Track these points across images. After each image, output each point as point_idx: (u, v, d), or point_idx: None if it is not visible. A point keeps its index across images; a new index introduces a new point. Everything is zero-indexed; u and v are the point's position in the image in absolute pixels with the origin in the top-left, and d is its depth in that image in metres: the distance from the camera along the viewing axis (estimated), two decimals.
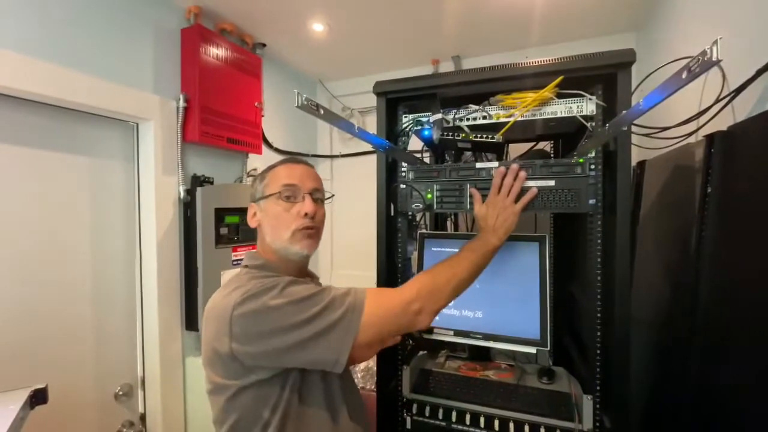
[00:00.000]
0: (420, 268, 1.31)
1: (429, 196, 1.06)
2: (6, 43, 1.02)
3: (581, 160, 0.95)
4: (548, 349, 1.16)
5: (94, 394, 1.28)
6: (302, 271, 0.90)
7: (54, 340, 1.18)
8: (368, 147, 2.24)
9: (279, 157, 2.09)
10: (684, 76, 0.48)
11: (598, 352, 0.98)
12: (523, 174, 0.93)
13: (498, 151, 1.13)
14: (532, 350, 1.17)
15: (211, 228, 1.51)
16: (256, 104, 1.75)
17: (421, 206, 1.06)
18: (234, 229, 1.63)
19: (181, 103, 1.46)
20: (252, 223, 0.86)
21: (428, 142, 1.09)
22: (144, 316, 1.41)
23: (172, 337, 1.39)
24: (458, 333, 1.27)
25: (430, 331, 1.29)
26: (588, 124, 0.98)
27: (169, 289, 1.42)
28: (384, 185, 1.09)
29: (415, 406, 1.12)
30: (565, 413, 1.01)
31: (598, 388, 0.98)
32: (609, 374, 0.96)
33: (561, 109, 0.99)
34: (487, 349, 1.32)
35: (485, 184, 1.02)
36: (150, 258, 1.40)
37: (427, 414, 1.10)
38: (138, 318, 1.41)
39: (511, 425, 1.02)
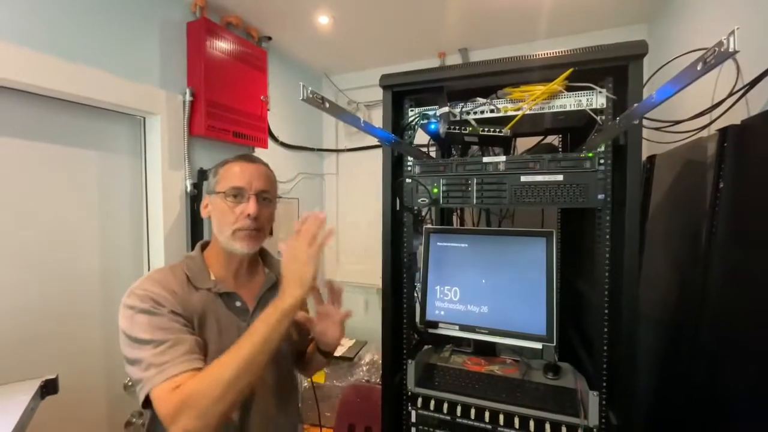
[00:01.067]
0: (426, 262, 1.30)
1: (435, 190, 1.05)
2: (14, 38, 1.02)
3: (590, 155, 0.94)
4: (554, 344, 1.15)
5: (103, 385, 1.30)
6: (251, 264, 0.92)
7: (65, 332, 1.20)
8: (374, 141, 2.24)
9: (285, 151, 2.09)
10: (699, 67, 0.47)
11: (605, 348, 0.97)
12: (321, 215, 0.78)
13: (505, 145, 1.12)
14: (538, 346, 1.17)
15: None
16: (261, 98, 1.75)
17: (427, 201, 1.06)
18: None
19: (187, 97, 1.46)
20: (203, 213, 0.89)
21: (435, 136, 1.08)
22: None
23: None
24: (463, 328, 1.27)
25: (435, 325, 1.29)
26: (598, 118, 0.96)
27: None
28: (390, 180, 1.09)
29: (420, 399, 1.12)
30: (570, 409, 1.01)
31: (604, 384, 0.97)
32: (615, 370, 0.95)
33: (570, 102, 0.97)
34: (493, 344, 1.32)
35: (492, 178, 1.01)
36: (157, 251, 1.41)
37: (432, 408, 1.10)
38: None
39: (516, 420, 1.02)
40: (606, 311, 0.97)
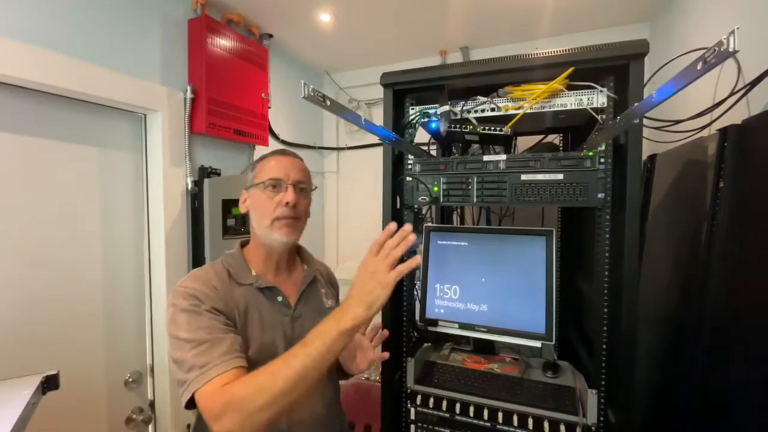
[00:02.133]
0: (425, 261, 1.31)
1: (435, 189, 1.05)
2: (16, 35, 1.02)
3: (591, 154, 0.94)
4: (553, 343, 1.16)
5: (104, 381, 1.30)
6: (289, 259, 0.94)
7: (66, 328, 1.20)
8: (375, 139, 2.24)
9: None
10: (699, 67, 0.47)
11: (604, 346, 0.98)
12: (412, 237, 0.71)
13: (506, 144, 1.12)
14: (537, 344, 1.17)
15: (218, 219, 1.52)
16: (262, 95, 1.75)
17: (427, 199, 1.06)
18: (240, 220, 1.63)
19: (188, 95, 1.46)
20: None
21: (435, 135, 1.08)
22: (153, 305, 1.43)
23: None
24: (463, 326, 1.27)
25: (435, 323, 1.29)
26: (598, 117, 0.97)
27: (177, 278, 1.43)
28: (390, 178, 1.09)
29: (419, 397, 1.13)
30: (569, 407, 1.01)
31: (603, 382, 0.98)
32: (615, 369, 0.96)
33: (571, 101, 0.97)
34: (492, 342, 1.32)
35: (492, 177, 1.01)
36: (158, 248, 1.41)
37: (431, 405, 1.11)
38: (147, 307, 1.44)
39: (515, 418, 1.03)
40: (605, 310, 0.97)
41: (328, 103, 0.58)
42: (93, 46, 1.20)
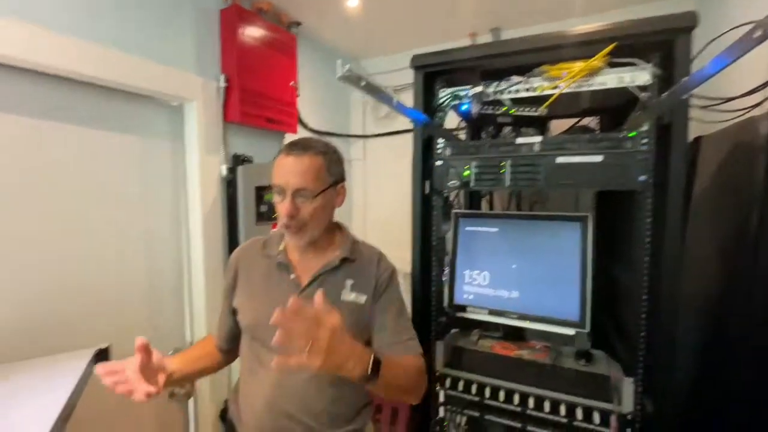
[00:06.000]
0: (454, 247, 1.30)
1: (466, 173, 1.04)
2: (55, 25, 1.07)
3: (632, 134, 0.90)
4: (587, 330, 1.13)
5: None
6: (322, 244, 0.93)
7: (111, 307, 1.28)
8: (401, 126, 2.22)
9: (313, 137, 2.12)
10: (756, 35, 0.44)
11: (643, 334, 0.95)
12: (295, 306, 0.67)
13: (540, 126, 1.09)
14: (571, 332, 1.15)
15: (251, 205, 1.56)
16: (291, 83, 1.77)
17: (457, 183, 1.05)
18: (272, 207, 1.67)
19: (222, 84, 1.50)
20: None
21: (466, 118, 1.06)
22: (192, 287, 1.50)
23: (216, 306, 1.47)
24: (493, 312, 1.26)
25: (463, 309, 1.29)
26: (641, 95, 0.92)
27: (213, 263, 1.50)
28: (420, 162, 1.08)
29: (448, 380, 1.13)
30: (604, 395, 0.99)
31: (640, 371, 0.95)
32: (653, 358, 0.93)
33: (611, 79, 0.93)
34: (522, 329, 1.31)
35: (526, 160, 0.99)
36: (196, 233, 1.47)
37: (460, 388, 1.12)
38: (186, 288, 1.51)
39: (547, 404, 1.02)
40: (645, 297, 0.94)
41: (363, 83, 0.58)
42: (130, 37, 1.24)
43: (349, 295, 0.90)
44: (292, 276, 0.90)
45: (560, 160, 0.95)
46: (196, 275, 1.49)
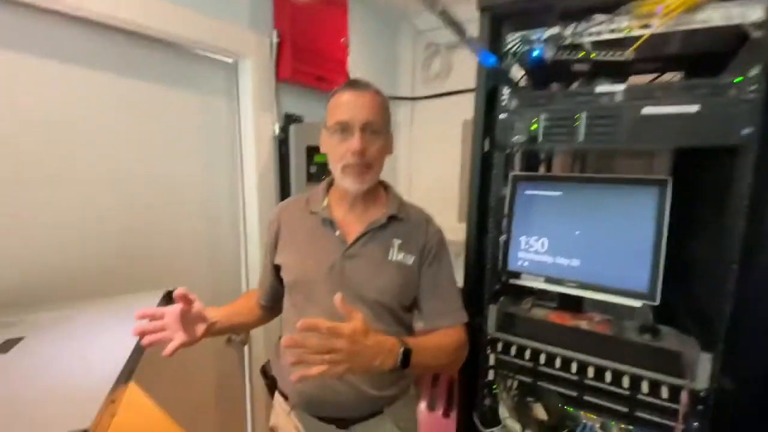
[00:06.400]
0: (510, 212, 1.23)
1: (533, 126, 0.96)
2: None
3: (738, 79, 0.77)
4: (656, 303, 1.05)
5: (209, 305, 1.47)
6: (369, 199, 0.91)
7: (174, 255, 1.36)
8: (454, 87, 2.11)
9: None
10: None
11: (727, 309, 0.85)
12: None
13: (622, 75, 0.97)
14: (637, 303, 1.07)
15: (302, 165, 1.57)
16: (342, 40, 1.71)
17: (522, 139, 0.97)
18: (322, 168, 1.68)
19: (275, 39, 1.48)
20: (322, 149, 0.91)
21: (536, 65, 0.97)
22: (248, 243, 1.56)
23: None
24: (550, 280, 1.20)
25: (517, 276, 1.24)
26: (753, 34, 0.78)
27: (267, 221, 1.54)
28: (482, 115, 1.01)
29: (500, 344, 1.11)
30: (674, 370, 0.92)
31: (720, 346, 0.86)
32: (735, 335, 0.84)
33: (717, 15, 0.80)
34: (579, 300, 1.24)
35: (604, 112, 0.89)
36: (251, 191, 1.52)
37: (512, 353, 1.08)
38: (242, 244, 1.57)
39: (608, 375, 0.96)
40: (736, 269, 0.83)
41: (440, 7, 0.53)
42: None
43: (397, 255, 0.88)
44: (338, 232, 0.88)
45: (647, 111, 0.85)
46: (251, 232, 1.54)
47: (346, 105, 0.81)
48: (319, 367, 0.63)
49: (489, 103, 1.01)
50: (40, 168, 1.02)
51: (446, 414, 1.79)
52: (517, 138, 0.97)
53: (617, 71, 0.99)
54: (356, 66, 1.97)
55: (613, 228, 1.12)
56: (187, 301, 0.77)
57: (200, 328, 0.81)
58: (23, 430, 0.50)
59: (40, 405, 0.57)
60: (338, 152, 0.82)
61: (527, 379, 1.07)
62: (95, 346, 0.73)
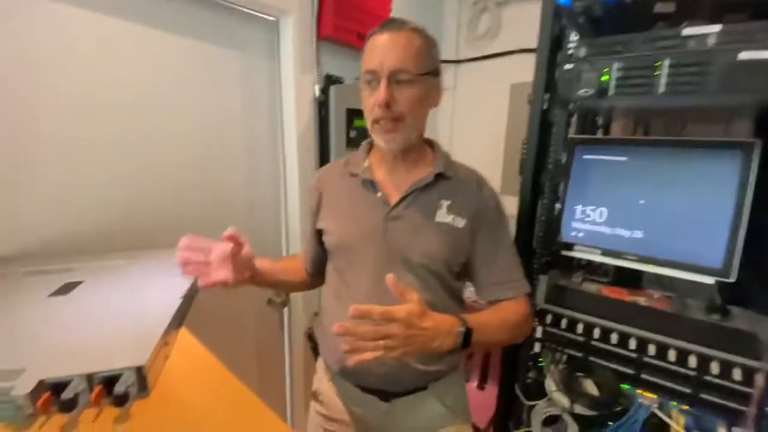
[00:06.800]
0: (566, 179, 1.14)
1: (604, 77, 0.86)
2: None
3: None
4: (731, 280, 0.95)
5: None
6: (407, 157, 0.83)
7: (215, 215, 1.37)
8: (501, 48, 1.97)
9: None
10: None
11: None
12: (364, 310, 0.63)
13: (709, 19, 0.84)
14: (710, 280, 0.97)
15: (342, 129, 1.53)
16: None
17: (590, 92, 0.87)
18: (361, 133, 1.63)
19: None
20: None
21: (612, 5, 0.85)
22: (288, 206, 1.56)
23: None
24: (607, 252, 1.12)
25: (570, 247, 1.16)
26: None
27: (307, 185, 1.52)
28: (544, 66, 0.91)
29: (549, 316, 1.05)
30: (748, 352, 0.83)
31: None
32: None
33: None
34: (637, 276, 1.15)
35: (692, 58, 0.77)
36: (291, 154, 1.50)
37: (563, 326, 1.03)
38: (282, 207, 1.57)
39: (672, 353, 0.89)
40: None
41: None
42: None
43: (446, 217, 0.81)
44: (379, 194, 0.82)
45: (745, 55, 0.73)
46: (292, 195, 1.54)
47: (376, 50, 0.73)
48: (374, 353, 0.61)
49: (552, 52, 0.91)
50: (98, 125, 1.04)
51: (481, 386, 1.78)
52: (584, 91, 0.87)
53: (706, 13, 0.85)
54: None
55: (686, 197, 1.01)
56: (237, 242, 0.75)
57: (245, 273, 0.79)
58: (84, 363, 0.52)
59: (98, 342, 0.58)
60: (368, 106, 0.75)
61: (578, 354, 1.01)
62: (149, 292, 0.74)
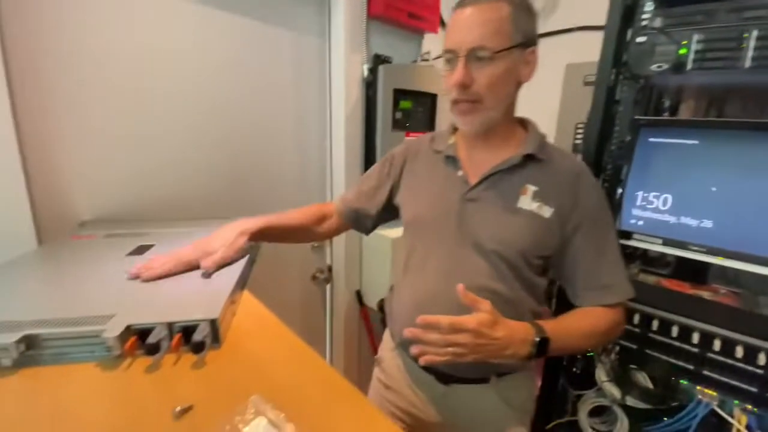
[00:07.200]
0: (629, 164, 1.08)
1: (682, 50, 0.79)
2: None
3: None
4: None
5: (297, 245, 1.56)
6: (494, 136, 0.77)
7: (266, 189, 1.42)
8: (559, 25, 1.87)
9: None
10: None
11: None
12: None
13: None
14: None
15: (389, 110, 1.52)
16: None
17: (665, 66, 0.81)
18: (407, 115, 1.62)
19: None
20: None
21: None
22: (333, 187, 1.60)
23: None
24: (669, 242, 1.05)
25: (628, 236, 1.10)
26: None
27: (354, 160, 1.55)
28: (613, 38, 0.85)
29: None
30: None
31: None
32: None
33: None
34: (701, 269, 1.07)
35: None
36: (338, 132, 1.52)
37: None
38: (328, 185, 1.61)
39: (739, 349, 0.83)
40: None
41: None
42: None
43: (531, 204, 0.72)
44: (460, 173, 0.77)
45: None
46: (337, 173, 1.56)
47: (456, 26, 0.68)
48: (443, 358, 0.61)
49: (623, 24, 0.85)
50: (158, 102, 1.11)
51: None
52: (659, 65, 0.81)
53: None
54: (447, 4, 1.82)
55: (764, 185, 0.93)
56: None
57: (240, 240, 0.79)
58: (164, 313, 0.56)
59: (174, 297, 0.63)
60: (447, 86, 0.71)
61: (632, 345, 0.97)
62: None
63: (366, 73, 1.50)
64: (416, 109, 1.65)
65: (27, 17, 0.86)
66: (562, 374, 1.12)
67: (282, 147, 1.45)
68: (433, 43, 1.75)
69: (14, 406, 0.46)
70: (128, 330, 0.54)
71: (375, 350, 1.76)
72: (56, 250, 0.83)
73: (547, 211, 0.72)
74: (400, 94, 1.55)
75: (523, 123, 0.81)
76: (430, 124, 1.70)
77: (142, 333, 0.54)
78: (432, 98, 1.67)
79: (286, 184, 1.49)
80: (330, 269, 1.64)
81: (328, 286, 1.66)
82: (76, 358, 0.54)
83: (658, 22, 0.80)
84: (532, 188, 0.73)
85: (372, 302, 1.64)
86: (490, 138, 0.76)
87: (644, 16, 0.82)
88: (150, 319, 0.55)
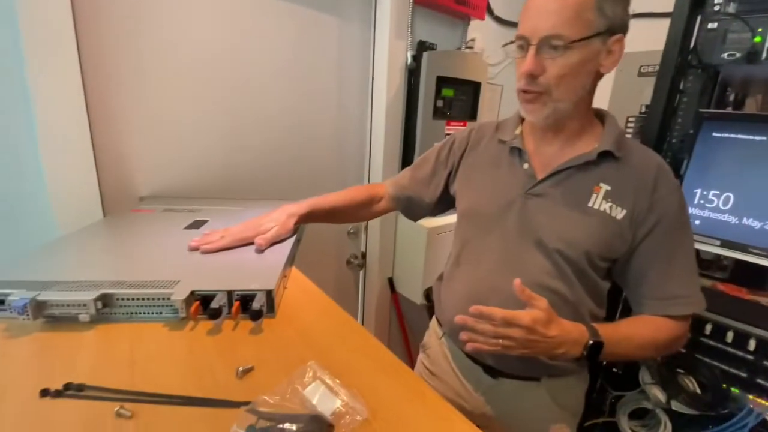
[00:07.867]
0: (689, 159, 1.02)
1: (758, 39, 0.74)
2: None
3: None
4: None
5: (334, 229, 1.60)
6: (564, 129, 0.72)
7: (310, 174, 1.46)
8: None
9: (497, 28, 1.86)
10: None
11: None
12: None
13: None
14: None
15: (431, 97, 1.51)
16: None
17: (737, 55, 0.76)
18: (448, 103, 1.60)
19: None
20: None
21: None
22: (371, 171, 1.61)
23: None
24: (728, 244, 0.99)
25: None
26: None
27: (393, 148, 1.56)
28: (682, 24, 0.80)
29: None
30: None
31: None
32: None
33: None
34: (761, 275, 1.01)
35: None
36: (379, 119, 1.52)
37: None
38: (366, 171, 1.62)
39: None
40: None
41: None
42: None
43: (602, 204, 0.68)
44: (526, 166, 0.73)
45: None
46: (376, 160, 1.57)
47: (529, 12, 0.63)
48: (492, 348, 0.61)
49: (691, 9, 0.80)
50: (213, 90, 1.16)
51: None
52: (730, 53, 0.76)
53: None
54: None
55: None
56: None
57: (290, 222, 0.83)
58: (224, 282, 0.60)
59: (232, 268, 0.67)
60: (517, 73, 0.66)
61: (681, 349, 0.93)
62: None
63: (410, 60, 1.50)
64: (458, 98, 1.63)
65: (99, 12, 0.92)
66: (600, 374, 1.09)
67: (323, 134, 1.48)
68: (477, 30, 1.72)
69: (94, 356, 0.51)
70: (192, 295, 0.58)
71: (405, 336, 1.79)
72: (120, 221, 0.89)
73: (619, 213, 0.67)
74: (442, 82, 1.53)
75: (601, 115, 0.75)
76: (472, 113, 1.68)
77: (204, 299, 0.58)
78: (475, 86, 1.64)
79: (326, 168, 1.52)
80: (364, 256, 1.66)
81: (361, 272, 1.69)
82: (145, 318, 0.58)
83: (732, 7, 0.75)
84: (605, 187, 0.68)
85: (404, 289, 1.66)
86: (562, 131, 0.72)
87: (717, 0, 0.76)
88: (211, 286, 0.59)
